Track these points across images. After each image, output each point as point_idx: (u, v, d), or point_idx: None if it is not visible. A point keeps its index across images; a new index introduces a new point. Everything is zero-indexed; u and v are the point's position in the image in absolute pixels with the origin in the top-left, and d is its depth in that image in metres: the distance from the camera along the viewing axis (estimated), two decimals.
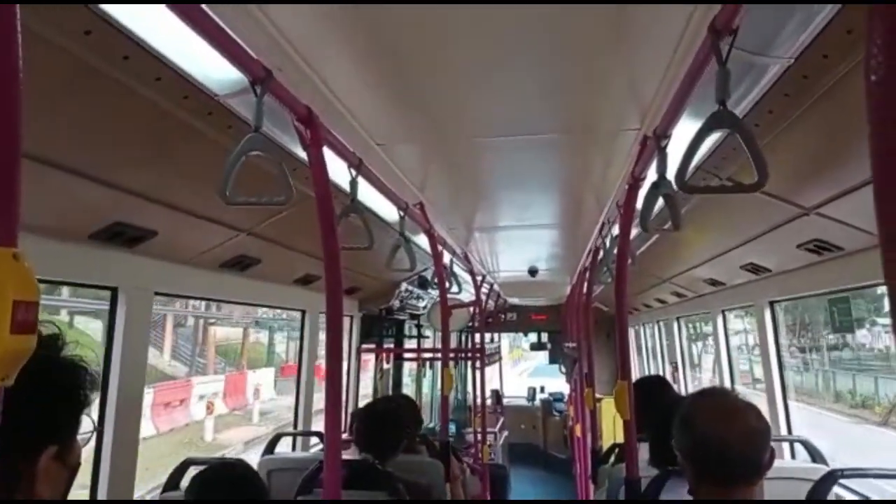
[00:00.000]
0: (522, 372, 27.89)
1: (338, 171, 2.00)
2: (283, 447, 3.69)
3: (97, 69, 1.41)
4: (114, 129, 1.72)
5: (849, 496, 2.88)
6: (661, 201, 1.85)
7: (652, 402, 2.48)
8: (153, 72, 1.49)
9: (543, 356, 13.91)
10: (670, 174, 1.73)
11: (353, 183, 2.07)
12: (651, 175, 1.89)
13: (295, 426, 4.42)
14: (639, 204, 2.15)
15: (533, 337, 12.85)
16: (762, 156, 1.18)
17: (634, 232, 3.48)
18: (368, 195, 2.58)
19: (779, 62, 1.43)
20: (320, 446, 3.89)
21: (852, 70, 1.36)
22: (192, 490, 1.83)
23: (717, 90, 1.18)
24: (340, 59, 1.71)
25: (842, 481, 2.51)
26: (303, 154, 1.90)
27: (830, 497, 2.07)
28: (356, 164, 2.05)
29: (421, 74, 1.85)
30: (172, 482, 2.53)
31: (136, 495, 2.70)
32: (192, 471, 2.59)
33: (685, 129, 1.65)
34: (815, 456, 2.76)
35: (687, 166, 1.27)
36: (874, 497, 2.91)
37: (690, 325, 6.98)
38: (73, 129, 1.64)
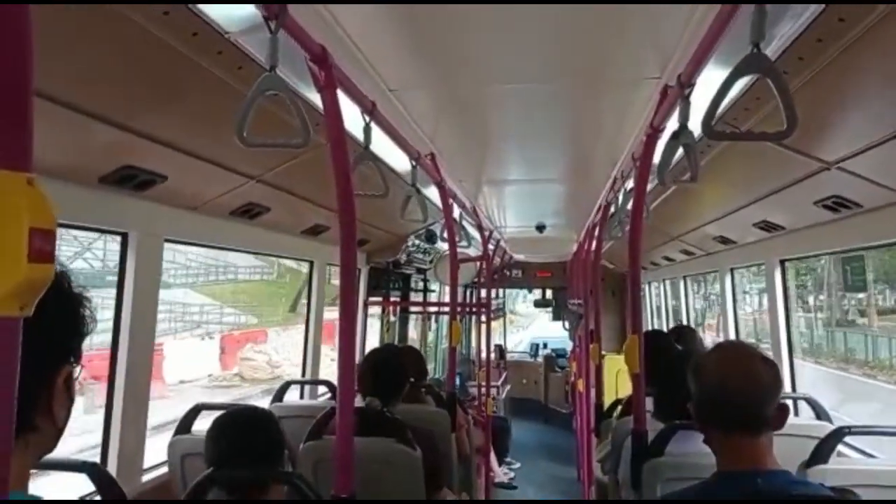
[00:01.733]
0: (513, 348, 14.46)
1: (350, 118, 1.95)
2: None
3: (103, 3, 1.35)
4: (122, 68, 1.67)
5: (853, 454, 2.92)
6: (678, 153, 1.81)
7: (659, 356, 2.48)
8: (161, 6, 1.43)
9: (539, 326, 13.52)
10: (692, 124, 1.69)
11: (367, 129, 2.02)
12: (671, 125, 1.84)
13: (303, 374, 4.49)
14: (656, 157, 2.11)
15: (537, 294, 12.90)
16: (792, 103, 1.13)
17: (648, 187, 3.44)
18: (379, 145, 2.54)
19: (814, 3, 1.37)
20: (328, 395, 3.95)
21: (891, 14, 1.30)
22: (211, 432, 1.85)
23: (753, 31, 1.13)
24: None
25: (847, 439, 2.53)
26: (314, 99, 1.85)
27: (834, 455, 2.08)
28: (370, 110, 2.00)
29: (434, 17, 1.79)
30: (184, 426, 2.57)
31: None
32: (203, 415, 2.64)
33: (708, 77, 1.60)
34: (820, 413, 2.78)
35: (714, 112, 1.23)
36: (877, 454, 2.94)
37: (696, 284, 6.97)
38: (78, 65, 1.59)
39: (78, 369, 0.91)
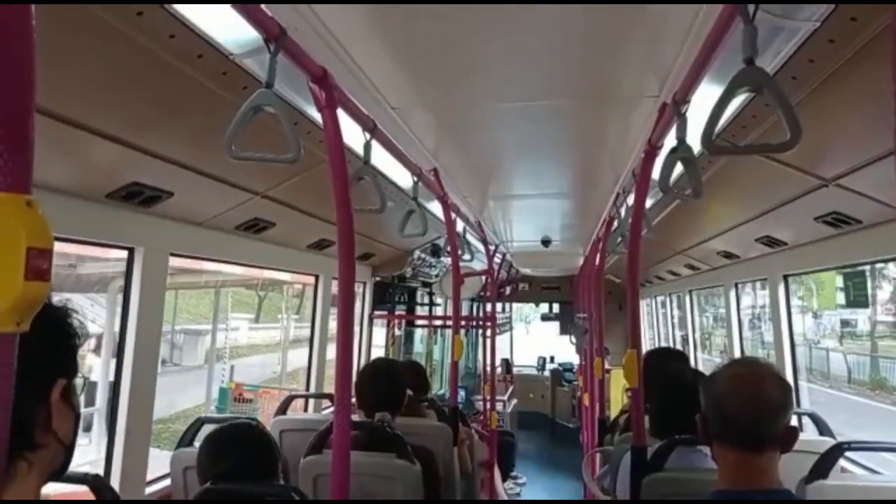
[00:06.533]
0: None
1: (352, 134, 1.99)
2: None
3: (112, 25, 1.40)
4: (129, 88, 1.72)
5: (854, 469, 2.89)
6: (678, 169, 1.83)
7: (657, 372, 2.48)
8: (167, 29, 1.48)
9: (540, 341, 13.18)
10: (689, 140, 1.71)
11: (367, 146, 2.05)
12: (669, 143, 1.86)
13: (307, 388, 4.50)
14: (655, 172, 2.13)
15: (544, 308, 12.89)
16: (794, 113, 1.14)
17: (650, 202, 3.44)
18: (382, 160, 2.57)
19: (804, 25, 1.39)
20: (332, 408, 3.95)
21: (881, 34, 1.32)
22: (205, 446, 1.87)
23: (745, 48, 1.14)
24: (356, 22, 1.68)
25: (848, 454, 2.51)
26: (317, 116, 1.89)
27: (835, 470, 2.07)
28: (370, 128, 2.03)
29: (436, 37, 1.82)
30: (186, 439, 2.59)
31: None
32: (206, 428, 2.66)
33: (704, 95, 1.62)
34: (823, 429, 2.77)
35: (713, 126, 1.23)
36: (879, 469, 2.91)
37: (703, 298, 6.94)
38: (87, 86, 1.64)
39: (80, 380, 0.91)
